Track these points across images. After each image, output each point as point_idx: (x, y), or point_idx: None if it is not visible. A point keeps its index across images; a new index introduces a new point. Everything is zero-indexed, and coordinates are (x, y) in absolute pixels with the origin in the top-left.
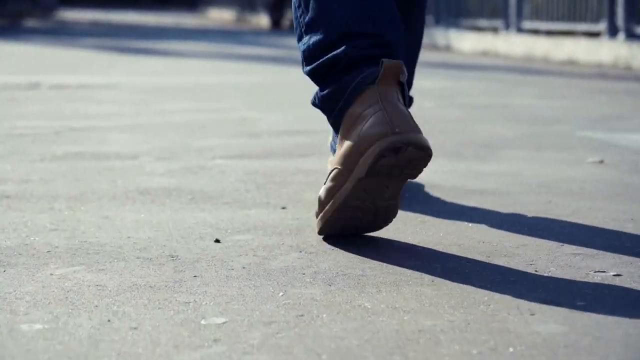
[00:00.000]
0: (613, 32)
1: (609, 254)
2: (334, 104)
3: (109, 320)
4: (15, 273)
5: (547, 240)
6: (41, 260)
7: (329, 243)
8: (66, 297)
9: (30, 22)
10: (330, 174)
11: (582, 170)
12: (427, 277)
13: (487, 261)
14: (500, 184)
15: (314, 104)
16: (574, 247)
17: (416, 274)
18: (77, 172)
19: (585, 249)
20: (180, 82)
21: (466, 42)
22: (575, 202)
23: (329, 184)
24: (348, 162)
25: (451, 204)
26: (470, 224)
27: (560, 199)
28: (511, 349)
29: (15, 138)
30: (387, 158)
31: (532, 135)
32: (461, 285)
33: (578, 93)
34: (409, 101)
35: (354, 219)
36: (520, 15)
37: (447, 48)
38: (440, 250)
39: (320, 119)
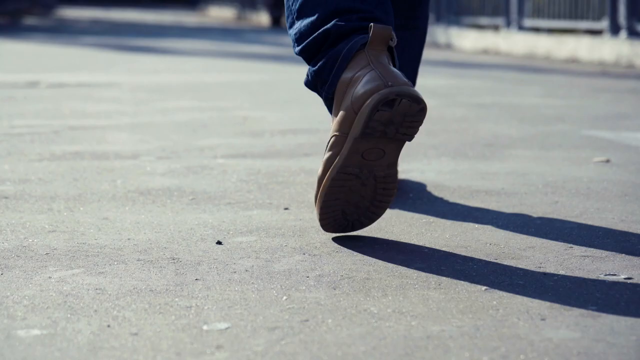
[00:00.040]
0: (615, 30)
1: (619, 256)
2: (326, 75)
3: (108, 326)
4: (13, 276)
5: (555, 242)
6: (39, 263)
7: (333, 245)
8: (65, 301)
9: (30, 20)
10: (328, 143)
11: (588, 170)
12: (433, 280)
13: (495, 263)
14: (506, 184)
15: (306, 83)
16: (583, 249)
17: (422, 276)
18: (76, 172)
19: (594, 250)
20: (181, 81)
21: (467, 40)
22: (582, 202)
23: (327, 154)
24: (344, 125)
25: (456, 204)
26: (476, 225)
27: (567, 199)
28: (522, 357)
29: (14, 137)
30: (381, 112)
31: (537, 134)
32: (469, 288)
33: (581, 91)
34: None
35: (353, 193)
36: (521, 13)
37: (448, 46)
38: (447, 252)
39: (323, 117)
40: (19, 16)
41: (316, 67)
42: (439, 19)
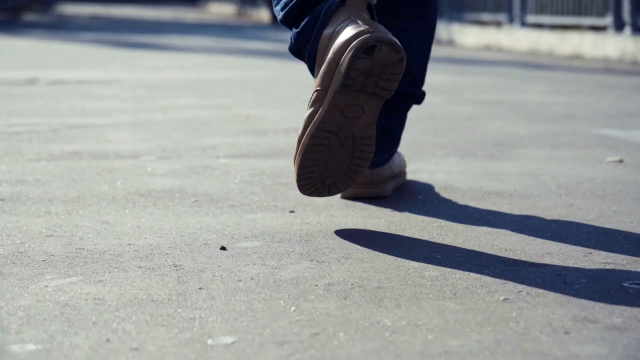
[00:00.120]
0: (619, 26)
1: None
2: (308, 34)
3: (107, 340)
4: (8, 285)
5: (573, 248)
6: (36, 270)
7: (342, 250)
8: (62, 313)
9: (30, 16)
10: (310, 99)
11: (602, 170)
12: (448, 289)
13: (512, 271)
14: (518, 186)
15: (290, 48)
16: (602, 254)
17: (436, 285)
18: (75, 172)
19: (615, 257)
20: (181, 78)
21: (469, 36)
22: (598, 205)
23: (308, 111)
24: (326, 79)
25: (468, 207)
26: (490, 229)
27: (582, 201)
28: None
29: (12, 136)
30: (361, 60)
31: (546, 133)
32: (486, 298)
33: (587, 88)
34: (421, 97)
35: (331, 154)
36: (524, 9)
37: (450, 42)
38: (460, 258)
39: None
40: (19, 12)
41: (299, 28)
42: (440, 15)
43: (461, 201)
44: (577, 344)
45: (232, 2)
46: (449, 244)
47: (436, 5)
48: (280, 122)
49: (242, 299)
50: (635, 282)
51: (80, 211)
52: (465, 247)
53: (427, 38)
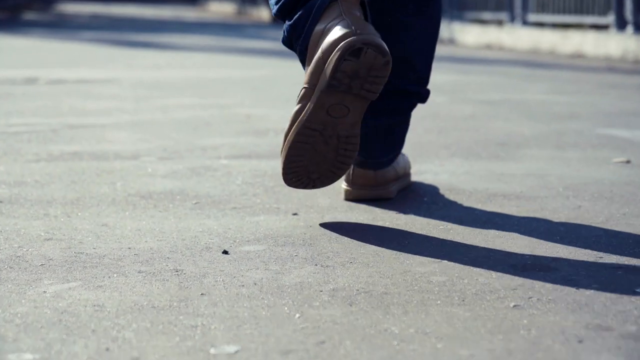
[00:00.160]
0: (621, 25)
1: None
2: (300, 28)
3: (107, 349)
4: (5, 290)
5: (583, 252)
6: (34, 275)
7: (346, 254)
8: (60, 320)
9: (30, 15)
10: (298, 94)
11: (609, 171)
12: (456, 295)
13: (521, 276)
14: (524, 187)
15: (283, 40)
16: (613, 258)
17: (444, 291)
18: (74, 174)
19: (626, 260)
20: (181, 77)
21: (470, 35)
22: (606, 207)
23: (295, 107)
24: (314, 77)
25: (474, 209)
26: (497, 233)
27: (590, 203)
28: None
29: (11, 136)
30: (348, 62)
31: (551, 132)
32: (495, 305)
33: (590, 88)
34: (425, 95)
35: (316, 152)
36: (525, 8)
37: (451, 41)
38: (468, 263)
39: None
40: (19, 11)
41: (292, 21)
42: (441, 14)
43: (467, 203)
44: (592, 353)
45: (232, 0)
46: (456, 247)
47: (440, 3)
48: (281, 122)
49: (245, 305)
50: None
51: (79, 213)
52: (473, 251)
53: (431, 36)
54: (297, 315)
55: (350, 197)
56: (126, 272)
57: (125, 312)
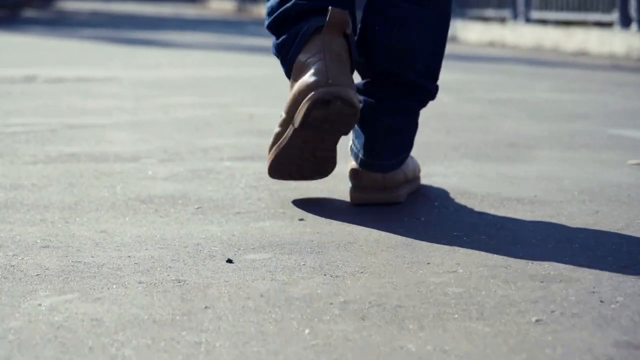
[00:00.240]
0: (626, 22)
1: None
2: (285, 53)
3: None
4: None
5: (604, 260)
6: (29, 286)
7: (356, 264)
8: (56, 337)
9: (29, 13)
10: (281, 116)
11: (624, 173)
12: (474, 309)
13: (542, 288)
14: (538, 191)
15: (273, 53)
16: (637, 269)
17: (461, 304)
18: (72, 176)
19: None
20: (182, 75)
21: (473, 32)
22: (625, 212)
23: (277, 128)
24: (291, 110)
25: (487, 214)
26: (513, 240)
27: (608, 208)
28: None
29: (8, 137)
30: (318, 110)
31: (561, 133)
32: (516, 319)
33: (596, 86)
34: (434, 91)
35: (296, 165)
36: (528, 5)
37: (453, 39)
38: (485, 273)
39: None
40: (19, 9)
41: (278, 41)
42: None
43: (479, 208)
44: None
45: None
46: (471, 256)
47: None
48: None
49: (251, 319)
50: None
51: (77, 219)
52: (489, 260)
53: (436, 27)
54: (307, 330)
55: (358, 201)
56: (126, 282)
57: (125, 327)
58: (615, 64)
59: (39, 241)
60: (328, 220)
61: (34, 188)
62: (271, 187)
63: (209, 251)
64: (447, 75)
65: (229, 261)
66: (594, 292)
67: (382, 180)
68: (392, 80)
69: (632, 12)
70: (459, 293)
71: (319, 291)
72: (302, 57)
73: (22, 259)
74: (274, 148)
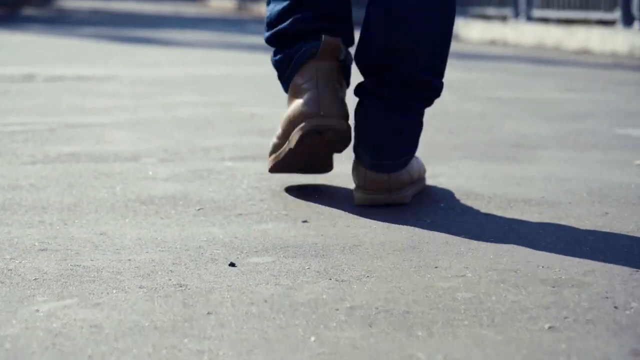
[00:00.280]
0: (628, 21)
1: None
2: (281, 72)
3: None
4: None
5: (616, 264)
6: (26, 291)
7: (362, 267)
8: (54, 344)
9: (29, 11)
10: (278, 129)
11: (633, 174)
12: (485, 315)
13: (553, 293)
14: (546, 192)
15: (272, 65)
16: None
17: (471, 310)
18: (71, 177)
19: None
20: (182, 74)
21: (474, 30)
22: (636, 213)
23: (275, 140)
24: (286, 129)
25: (494, 216)
26: (522, 243)
27: (617, 210)
28: None
29: (6, 136)
30: (310, 138)
31: (566, 132)
32: (528, 326)
33: (599, 85)
34: (439, 87)
35: (296, 170)
36: (530, 4)
37: (455, 37)
38: (495, 277)
39: None
40: (18, 7)
41: (276, 59)
42: None
43: (486, 209)
44: None
45: None
46: (479, 259)
47: None
48: None
49: (255, 326)
50: None
51: (76, 221)
52: (498, 264)
53: (440, 22)
54: (313, 338)
55: (363, 202)
56: (126, 287)
57: (125, 334)
58: (618, 63)
59: (37, 244)
60: (332, 222)
61: (32, 189)
62: (273, 188)
63: (211, 254)
64: (449, 74)
65: (232, 265)
66: (607, 298)
67: (386, 180)
68: (395, 77)
69: (635, 10)
70: (469, 298)
71: (324, 296)
72: (297, 80)
73: (20, 262)
74: (273, 157)
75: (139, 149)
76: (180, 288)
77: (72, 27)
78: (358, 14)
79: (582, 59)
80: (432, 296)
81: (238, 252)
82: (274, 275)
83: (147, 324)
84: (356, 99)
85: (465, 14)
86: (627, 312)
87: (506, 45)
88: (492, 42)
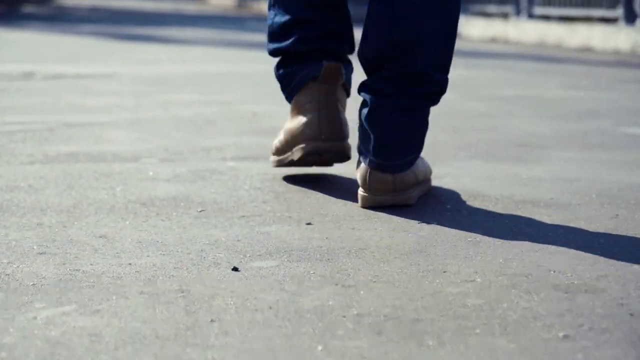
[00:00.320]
0: (631, 18)
1: None
2: (285, 85)
3: None
4: None
5: (629, 269)
6: (24, 297)
7: (368, 272)
8: (52, 354)
9: (28, 8)
10: (281, 135)
11: None
12: (497, 323)
13: (566, 299)
14: (554, 193)
15: (274, 75)
16: None
17: (482, 317)
18: (70, 177)
19: None
20: (182, 71)
21: (475, 28)
22: None
23: (277, 144)
24: (289, 141)
25: (502, 218)
26: (531, 246)
27: (627, 212)
28: None
29: (5, 135)
30: (311, 156)
31: (572, 132)
32: (542, 334)
33: (604, 83)
34: (443, 83)
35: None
36: (531, 1)
37: None
38: (505, 282)
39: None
40: (18, 4)
41: (278, 73)
42: None
43: (493, 211)
44: None
45: None
46: (489, 263)
47: None
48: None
49: (260, 334)
50: None
51: (75, 223)
52: (508, 268)
53: (444, 16)
54: (320, 347)
55: (368, 203)
56: (126, 293)
57: (126, 343)
58: (621, 60)
59: (35, 247)
60: (336, 224)
61: (31, 190)
62: (276, 189)
63: (214, 258)
64: (451, 72)
65: (235, 269)
66: (622, 304)
67: (391, 181)
68: (397, 71)
69: (637, 7)
70: (479, 305)
71: (330, 302)
72: (299, 98)
73: (18, 267)
74: (276, 159)
75: (139, 148)
76: (182, 294)
77: (72, 25)
78: (360, 11)
79: (584, 57)
80: (442, 302)
81: (241, 256)
82: (279, 281)
83: (148, 332)
84: (359, 98)
85: (466, 11)
86: None
87: (507, 43)
88: (493, 40)
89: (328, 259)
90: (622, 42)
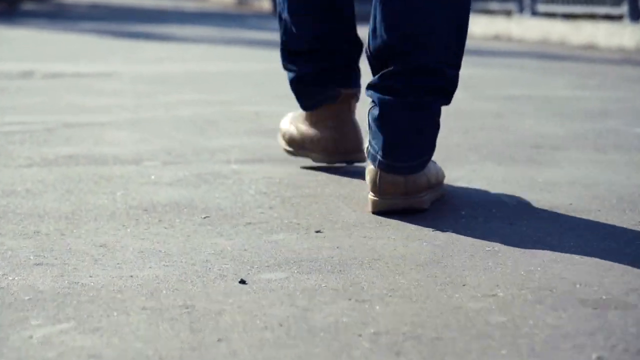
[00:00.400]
0: (635, 15)
1: None
2: (300, 100)
3: None
4: None
5: None
6: (19, 313)
7: (383, 285)
8: None
9: (28, 6)
10: (291, 130)
11: None
12: (524, 342)
13: (596, 316)
14: (573, 198)
15: (288, 83)
16: None
17: (507, 336)
18: (69, 181)
19: None
20: (182, 70)
21: (477, 25)
22: None
23: (292, 135)
24: (306, 145)
25: (520, 225)
26: (553, 256)
27: None
28: None
29: (3, 137)
30: (327, 164)
31: (586, 132)
32: (574, 356)
33: (611, 81)
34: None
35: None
36: None
37: None
38: (529, 297)
39: None
40: (17, 2)
41: (292, 87)
42: None
43: (510, 218)
44: None
45: None
46: (510, 276)
47: None
48: None
49: (271, 355)
50: None
51: (74, 231)
52: (531, 281)
53: (458, 8)
54: None
55: (378, 208)
56: (128, 308)
57: None
58: (626, 58)
59: (32, 257)
60: (347, 232)
61: (29, 195)
62: (283, 194)
63: (219, 269)
64: None
65: (242, 282)
66: None
67: (403, 183)
68: (407, 65)
69: None
70: (503, 322)
71: (344, 319)
72: (316, 113)
73: (13, 279)
74: (289, 148)
75: (140, 150)
76: (187, 310)
77: (72, 22)
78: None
79: (589, 55)
80: (463, 320)
81: (248, 267)
82: (289, 295)
83: (151, 353)
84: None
85: None
86: None
87: (510, 41)
88: (496, 37)
89: (340, 271)
90: (626, 40)
